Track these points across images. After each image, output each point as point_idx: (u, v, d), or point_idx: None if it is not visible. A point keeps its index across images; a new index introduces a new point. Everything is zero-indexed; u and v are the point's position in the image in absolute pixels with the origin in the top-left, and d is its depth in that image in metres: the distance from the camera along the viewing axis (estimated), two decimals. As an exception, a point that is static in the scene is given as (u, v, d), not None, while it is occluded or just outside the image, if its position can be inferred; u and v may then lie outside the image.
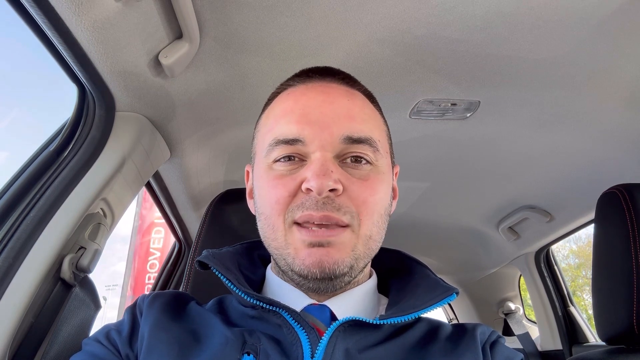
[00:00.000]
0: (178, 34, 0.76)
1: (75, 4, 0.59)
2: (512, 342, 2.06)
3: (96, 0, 0.60)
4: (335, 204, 0.51)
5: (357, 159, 0.55)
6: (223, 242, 0.75)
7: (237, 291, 0.55)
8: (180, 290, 0.76)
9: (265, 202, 0.55)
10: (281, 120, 0.57)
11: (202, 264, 0.58)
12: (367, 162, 0.55)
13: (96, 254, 0.77)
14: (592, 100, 1.01)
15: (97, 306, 0.79)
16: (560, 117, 1.08)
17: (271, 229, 0.55)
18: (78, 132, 0.78)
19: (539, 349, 1.94)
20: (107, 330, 0.57)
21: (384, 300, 0.63)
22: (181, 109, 0.95)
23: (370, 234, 0.54)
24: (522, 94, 1.01)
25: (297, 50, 0.84)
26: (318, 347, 0.50)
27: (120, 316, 0.63)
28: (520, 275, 2.24)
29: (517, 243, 1.84)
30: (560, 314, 1.80)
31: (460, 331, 0.58)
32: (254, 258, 0.67)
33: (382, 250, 0.61)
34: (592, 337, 1.73)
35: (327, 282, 0.52)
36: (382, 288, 0.66)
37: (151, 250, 6.95)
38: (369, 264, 0.60)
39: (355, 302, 0.58)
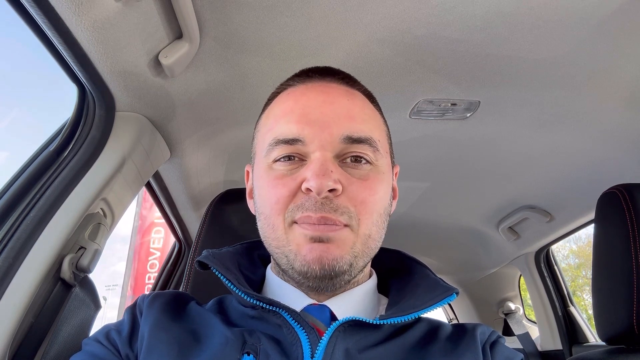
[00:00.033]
0: (178, 34, 0.76)
1: (75, 4, 0.59)
2: (512, 342, 2.06)
3: (96, 0, 0.60)
4: (333, 204, 0.51)
5: (357, 159, 0.55)
6: (223, 242, 0.75)
7: (237, 291, 0.55)
8: (180, 290, 0.76)
9: (265, 201, 0.55)
10: (281, 120, 0.57)
11: (202, 264, 0.58)
12: (367, 162, 0.55)
13: (96, 254, 0.77)
14: (592, 100, 1.01)
15: (97, 306, 0.79)
16: (560, 117, 1.08)
17: (271, 228, 0.55)
18: (78, 132, 0.78)
19: (539, 349, 1.94)
20: (107, 330, 0.57)
21: (384, 300, 0.63)
22: (181, 109, 0.95)
23: (369, 233, 0.54)
24: (522, 94, 1.01)
25: (297, 50, 0.84)
26: (318, 347, 0.50)
27: (120, 316, 0.63)
28: (520, 275, 2.24)
29: (517, 243, 1.84)
30: (560, 314, 1.80)
31: (460, 331, 0.58)
32: (254, 258, 0.67)
33: (382, 250, 0.61)
34: (592, 337, 1.73)
35: (327, 281, 0.52)
36: (382, 288, 0.66)
37: (151, 250, 6.95)
38: (369, 263, 0.60)
39: (355, 302, 0.58)
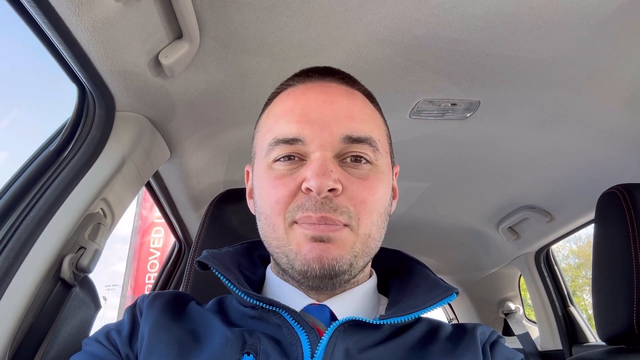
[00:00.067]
0: (178, 34, 0.76)
1: (75, 4, 0.59)
2: (512, 342, 2.06)
3: (96, 0, 0.60)
4: (333, 204, 0.51)
5: (357, 159, 0.55)
6: (223, 242, 0.75)
7: (237, 291, 0.55)
8: (180, 290, 0.76)
9: (266, 201, 0.55)
10: (281, 120, 0.57)
11: (202, 264, 0.58)
12: (367, 161, 0.55)
13: (96, 254, 0.77)
14: (592, 100, 1.01)
15: (97, 306, 0.79)
16: (560, 117, 1.08)
17: (272, 228, 0.55)
18: (78, 132, 0.78)
19: (539, 349, 1.94)
20: (107, 330, 0.57)
21: (384, 300, 0.63)
22: (181, 109, 0.95)
23: (369, 232, 0.54)
24: (522, 94, 1.01)
25: (297, 50, 0.84)
26: (318, 347, 0.50)
27: (120, 316, 0.63)
28: (520, 275, 2.24)
29: (517, 243, 1.84)
30: (560, 314, 1.80)
31: (460, 331, 0.58)
32: (254, 258, 0.67)
33: (382, 250, 0.61)
34: (592, 337, 1.73)
35: (327, 280, 0.52)
36: (382, 288, 0.66)
37: (151, 250, 6.95)
38: (369, 263, 0.60)
39: (355, 302, 0.58)
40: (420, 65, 0.91)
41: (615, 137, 1.12)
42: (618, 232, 0.87)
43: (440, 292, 0.56)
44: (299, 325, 0.52)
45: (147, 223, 7.09)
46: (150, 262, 6.88)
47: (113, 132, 0.82)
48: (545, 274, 1.87)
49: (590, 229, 1.23)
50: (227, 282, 0.55)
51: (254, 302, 0.54)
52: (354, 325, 0.52)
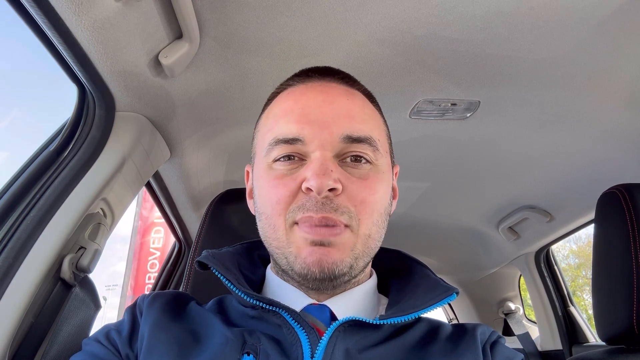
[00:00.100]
0: (178, 34, 0.76)
1: (75, 4, 0.59)
2: (512, 342, 2.06)
3: (96, 0, 0.60)
4: (334, 204, 0.51)
5: (357, 158, 0.55)
6: (223, 242, 0.75)
7: (237, 291, 0.55)
8: (180, 290, 0.76)
9: (266, 202, 0.55)
10: (281, 120, 0.57)
11: (202, 264, 0.58)
12: (367, 161, 0.55)
13: (96, 254, 0.77)
14: (592, 100, 1.01)
15: (97, 306, 0.79)
16: (560, 117, 1.08)
17: (272, 228, 0.55)
18: (78, 132, 0.78)
19: (539, 349, 1.94)
20: (107, 330, 0.57)
21: (384, 300, 0.63)
22: (181, 109, 0.95)
23: (369, 233, 0.54)
24: (522, 94, 1.01)
25: (297, 50, 0.84)
26: (318, 347, 0.50)
27: (120, 316, 0.63)
28: (520, 275, 2.24)
29: (517, 243, 1.84)
30: (560, 314, 1.80)
31: (460, 331, 0.58)
32: (254, 258, 0.67)
33: (382, 250, 0.61)
34: (592, 337, 1.73)
35: (327, 282, 0.52)
36: (382, 288, 0.66)
37: (151, 250, 6.95)
38: (370, 263, 0.60)
39: (355, 302, 0.58)
40: (420, 65, 0.91)
41: (615, 137, 1.12)
42: (618, 232, 0.87)
43: (440, 292, 0.56)
44: (299, 325, 0.52)
45: (147, 223, 7.09)
46: (150, 262, 6.88)
47: (113, 132, 0.82)
48: (545, 274, 1.87)
49: (590, 229, 1.23)
50: (227, 282, 0.55)
51: (254, 302, 0.54)
52: (354, 325, 0.52)
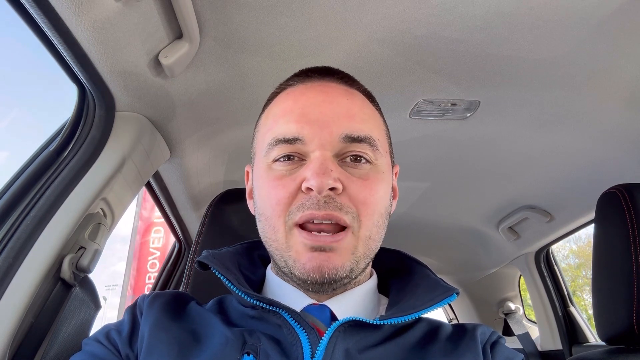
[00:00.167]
0: (178, 34, 0.76)
1: (75, 4, 0.59)
2: (512, 342, 2.06)
3: (96, 0, 0.60)
4: (337, 202, 0.51)
5: (357, 158, 0.55)
6: (223, 242, 0.75)
7: (237, 291, 0.55)
8: (180, 290, 0.76)
9: (266, 203, 0.55)
10: (280, 120, 0.57)
11: (202, 264, 0.58)
12: (367, 161, 0.55)
13: (96, 254, 0.77)
14: (592, 100, 1.01)
15: (97, 306, 0.79)
16: (560, 117, 1.08)
17: (272, 230, 0.55)
18: (78, 132, 0.78)
19: (539, 349, 1.94)
20: (107, 330, 0.57)
21: (384, 300, 0.63)
22: (181, 109, 0.95)
23: (370, 234, 0.54)
24: (522, 94, 1.01)
25: (297, 50, 0.84)
26: (318, 347, 0.50)
27: (120, 316, 0.63)
28: (520, 275, 2.24)
29: (517, 243, 1.84)
30: (560, 314, 1.80)
31: (461, 331, 0.58)
32: (254, 258, 0.67)
33: (382, 250, 0.61)
34: (592, 337, 1.73)
35: (327, 286, 0.53)
36: (382, 288, 0.66)
37: (151, 250, 6.95)
38: (370, 264, 0.60)
39: (356, 302, 0.58)
40: (420, 65, 0.91)
41: (615, 137, 1.12)
42: (618, 232, 0.87)
43: (441, 293, 0.56)
44: (299, 325, 0.52)
45: (147, 223, 7.09)
46: (150, 262, 6.88)
47: (113, 132, 0.82)
48: (545, 274, 1.87)
49: (590, 229, 1.23)
50: (227, 282, 0.55)
51: (254, 302, 0.54)
52: (354, 325, 0.52)
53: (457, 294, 0.55)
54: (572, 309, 1.82)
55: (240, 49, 0.83)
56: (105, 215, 0.83)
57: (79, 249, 0.74)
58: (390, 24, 0.79)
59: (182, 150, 1.09)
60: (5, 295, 0.60)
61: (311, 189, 0.51)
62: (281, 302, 0.53)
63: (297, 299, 0.56)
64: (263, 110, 0.65)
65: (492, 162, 1.33)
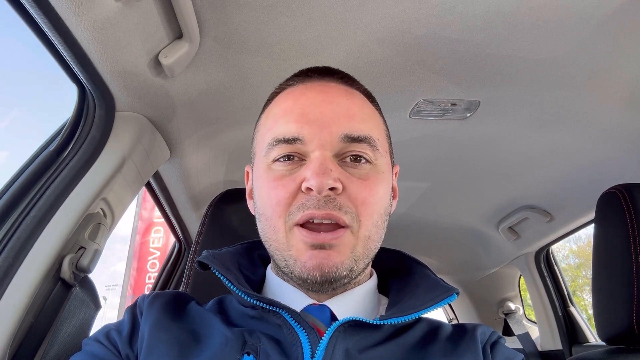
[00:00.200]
0: (178, 34, 0.76)
1: (75, 4, 0.59)
2: (512, 342, 2.06)
3: (96, 0, 0.60)
4: (337, 202, 0.51)
5: (357, 158, 0.55)
6: (223, 242, 0.75)
7: (237, 291, 0.55)
8: (180, 290, 0.76)
9: (266, 203, 0.55)
10: (280, 120, 0.57)
11: (202, 264, 0.58)
12: (367, 161, 0.55)
13: (96, 254, 0.77)
14: (592, 100, 1.01)
15: (97, 306, 0.79)
16: (560, 117, 1.08)
17: (272, 230, 0.55)
18: (78, 132, 0.78)
19: (539, 349, 1.94)
20: (107, 330, 0.57)
21: (384, 300, 0.63)
22: (181, 109, 0.95)
23: (369, 234, 0.54)
24: (522, 94, 1.01)
25: (297, 50, 0.84)
26: (318, 348, 0.50)
27: (120, 316, 0.63)
28: (520, 275, 2.24)
29: (517, 243, 1.84)
30: (560, 314, 1.80)
31: (461, 331, 0.58)
32: (254, 258, 0.67)
33: (382, 250, 0.61)
34: (592, 337, 1.73)
35: (327, 285, 0.53)
36: (382, 288, 0.66)
37: (151, 249, 6.95)
38: (370, 264, 0.60)
39: (356, 302, 0.58)
40: (420, 65, 0.91)
41: (615, 137, 1.12)
42: (618, 232, 0.87)
43: (441, 293, 0.56)
44: (299, 325, 0.52)
45: (147, 223, 7.09)
46: (150, 262, 6.89)
47: (113, 132, 0.82)
48: (545, 274, 1.87)
49: (590, 229, 1.23)
50: (227, 282, 0.55)
51: (254, 302, 0.54)
52: (354, 325, 0.52)
53: (457, 294, 0.55)
54: (572, 309, 1.82)
55: (240, 49, 0.83)
56: (105, 215, 0.83)
57: (79, 249, 0.74)
58: (390, 24, 0.79)
59: (182, 150, 1.10)
60: (5, 295, 0.60)
61: (311, 189, 0.51)
62: (281, 302, 0.53)
63: (297, 299, 0.56)
64: (263, 110, 0.65)
65: (492, 162, 1.33)
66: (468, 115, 1.08)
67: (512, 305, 2.24)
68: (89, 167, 0.76)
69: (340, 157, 0.55)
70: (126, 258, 7.27)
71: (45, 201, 0.69)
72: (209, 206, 0.94)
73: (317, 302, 0.56)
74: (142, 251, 6.97)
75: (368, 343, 0.53)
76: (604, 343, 0.89)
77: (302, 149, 0.54)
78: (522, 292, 2.34)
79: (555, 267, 1.90)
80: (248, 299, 0.54)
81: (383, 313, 0.59)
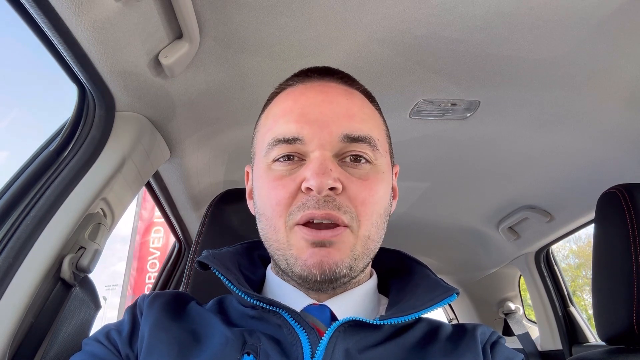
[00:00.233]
0: (178, 34, 0.76)
1: (75, 4, 0.59)
2: (512, 342, 2.06)
3: (96, 0, 0.60)
4: (336, 202, 0.51)
5: (357, 158, 0.55)
6: (223, 242, 0.75)
7: (237, 291, 0.55)
8: (180, 290, 0.76)
9: (266, 203, 0.55)
10: (280, 120, 0.57)
11: (202, 264, 0.58)
12: (367, 161, 0.55)
13: (96, 254, 0.77)
14: (592, 100, 1.01)
15: (97, 306, 0.79)
16: (560, 117, 1.08)
17: (273, 230, 0.55)
18: (78, 132, 0.78)
19: (539, 349, 1.94)
20: (107, 330, 0.57)
21: (384, 300, 0.63)
22: (181, 109, 0.95)
23: (368, 234, 0.54)
24: (522, 94, 1.01)
25: (297, 50, 0.84)
26: (318, 348, 0.50)
27: (120, 316, 0.63)
28: (520, 275, 2.24)
29: (517, 243, 1.84)
30: (560, 314, 1.80)
31: (461, 331, 0.58)
32: (254, 258, 0.67)
33: (382, 250, 0.61)
34: (592, 337, 1.73)
35: (327, 284, 0.52)
36: (382, 288, 0.66)
37: (151, 249, 6.95)
38: (370, 264, 0.60)
39: (356, 302, 0.58)
40: (420, 65, 0.91)
41: (615, 137, 1.12)
42: (618, 232, 0.87)
43: (441, 293, 0.56)
44: (299, 325, 0.52)
45: (147, 223, 7.09)
46: (150, 262, 6.88)
47: (113, 132, 0.82)
48: (545, 274, 1.87)
49: (590, 229, 1.23)
50: (227, 282, 0.55)
51: (254, 302, 0.54)
52: (354, 325, 0.52)
53: (457, 294, 0.55)
54: (572, 309, 1.82)
55: (240, 49, 0.83)
56: (105, 215, 0.83)
57: (79, 249, 0.74)
58: (390, 24, 0.79)
59: (182, 150, 1.10)
60: (5, 295, 0.60)
61: (311, 189, 0.51)
62: (281, 302, 0.53)
63: (297, 299, 0.56)
64: (263, 110, 0.65)
65: (492, 162, 1.33)
66: (468, 115, 1.08)
67: (512, 305, 2.24)
68: (89, 167, 0.76)
69: (340, 157, 0.55)
70: (126, 258, 7.27)
71: (45, 201, 0.69)
72: (209, 206, 0.94)
73: (317, 302, 0.56)
74: (142, 251, 6.97)
75: (368, 343, 0.53)
76: (604, 343, 0.89)
77: (302, 149, 0.54)
78: (522, 292, 2.34)
79: (555, 267, 1.90)
80: (248, 299, 0.54)
81: (383, 313, 0.59)
